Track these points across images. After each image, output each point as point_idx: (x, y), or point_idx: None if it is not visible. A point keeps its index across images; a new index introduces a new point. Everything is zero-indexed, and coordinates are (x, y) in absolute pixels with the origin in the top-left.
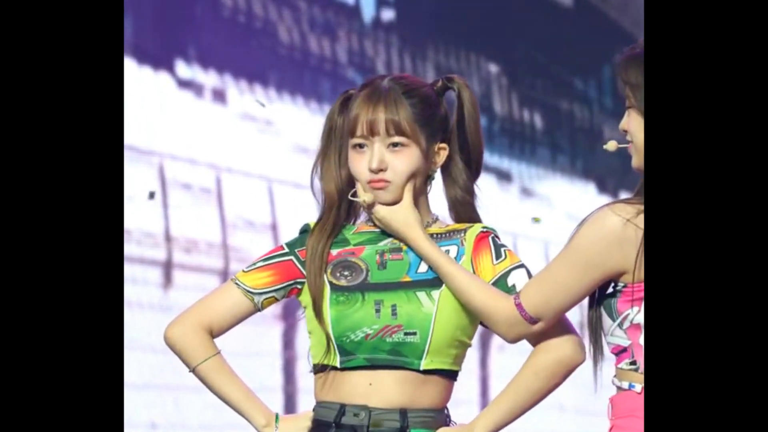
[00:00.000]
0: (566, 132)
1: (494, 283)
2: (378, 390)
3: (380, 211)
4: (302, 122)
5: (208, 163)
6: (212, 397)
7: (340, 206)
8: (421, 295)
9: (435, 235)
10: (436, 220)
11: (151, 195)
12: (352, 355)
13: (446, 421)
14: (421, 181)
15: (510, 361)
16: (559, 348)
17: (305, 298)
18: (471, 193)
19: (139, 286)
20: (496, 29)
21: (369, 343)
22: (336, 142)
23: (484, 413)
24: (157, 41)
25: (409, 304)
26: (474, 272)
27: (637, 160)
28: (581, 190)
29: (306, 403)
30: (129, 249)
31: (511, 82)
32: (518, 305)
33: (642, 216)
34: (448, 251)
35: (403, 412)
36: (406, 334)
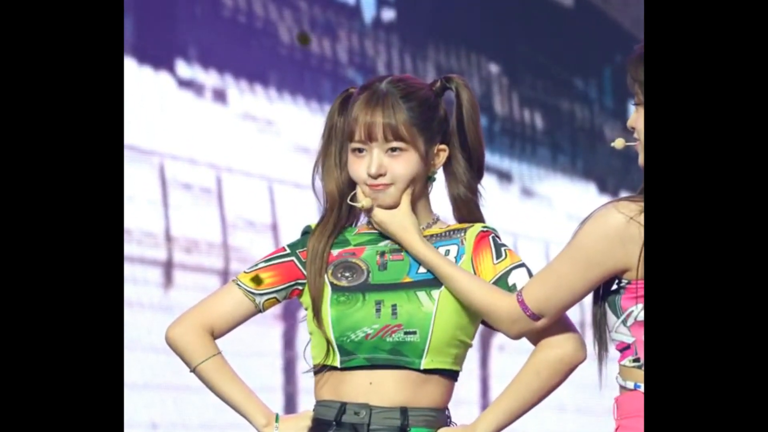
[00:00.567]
0: (567, 132)
1: (495, 283)
2: (378, 389)
3: (378, 215)
4: (303, 122)
5: (208, 163)
6: (213, 397)
7: (341, 207)
8: (421, 294)
9: (435, 236)
10: (436, 220)
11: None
12: (352, 354)
13: (447, 421)
14: (420, 183)
15: (510, 361)
16: (560, 346)
17: (306, 299)
18: (474, 192)
19: (139, 286)
20: (496, 29)
21: (369, 343)
22: (336, 142)
23: (486, 413)
24: (157, 41)
25: (410, 303)
26: (474, 272)
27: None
28: (582, 190)
29: (306, 403)
30: (129, 249)
31: (511, 82)
32: (521, 302)
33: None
34: (448, 251)
35: (404, 411)
36: (406, 333)
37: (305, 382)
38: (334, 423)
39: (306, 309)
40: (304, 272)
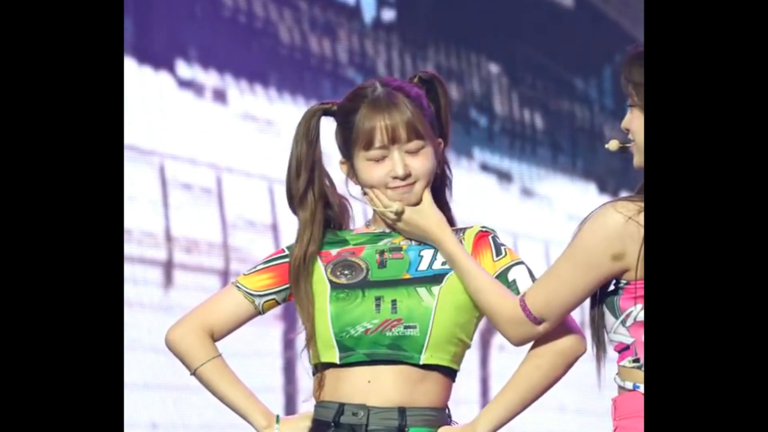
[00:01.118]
0: (567, 132)
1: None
2: (377, 388)
3: (407, 213)
4: None
5: (208, 163)
6: (213, 397)
7: (315, 220)
8: (422, 290)
9: None
10: None
11: None
12: (351, 350)
13: (447, 420)
14: (431, 178)
15: (510, 361)
16: (558, 339)
17: None
18: (445, 184)
19: (139, 286)
20: (496, 29)
21: (369, 338)
22: (306, 166)
23: (486, 410)
24: (157, 41)
25: (410, 298)
26: None
27: (639, 159)
28: (582, 191)
29: (306, 403)
30: (129, 249)
31: (511, 82)
32: (523, 306)
33: (643, 213)
34: None
35: (402, 411)
36: (405, 327)
37: (305, 382)
38: (332, 424)
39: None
40: None
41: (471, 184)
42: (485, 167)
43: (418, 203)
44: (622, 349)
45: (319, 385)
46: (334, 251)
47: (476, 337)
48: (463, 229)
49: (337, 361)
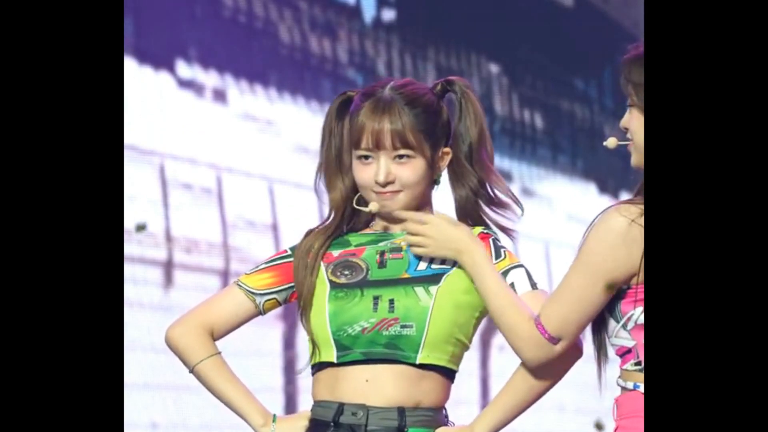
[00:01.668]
0: (567, 132)
1: None
2: (375, 387)
3: (437, 220)
4: (303, 122)
5: (208, 163)
6: (212, 397)
7: (344, 212)
8: (419, 290)
9: None
10: None
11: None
12: (348, 349)
13: (444, 421)
14: (427, 188)
15: (510, 361)
16: None
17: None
18: (477, 194)
19: (139, 286)
20: (496, 29)
21: (366, 337)
22: (335, 147)
23: (484, 413)
24: (157, 41)
25: (407, 298)
26: None
27: (637, 159)
28: (582, 191)
29: (306, 404)
30: (129, 249)
31: (511, 82)
32: (539, 326)
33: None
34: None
35: (401, 411)
36: (402, 326)
37: (305, 382)
38: (332, 424)
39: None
40: None
41: None
42: None
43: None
44: (624, 353)
45: (318, 384)
46: (336, 252)
47: (476, 337)
48: None
49: (335, 360)
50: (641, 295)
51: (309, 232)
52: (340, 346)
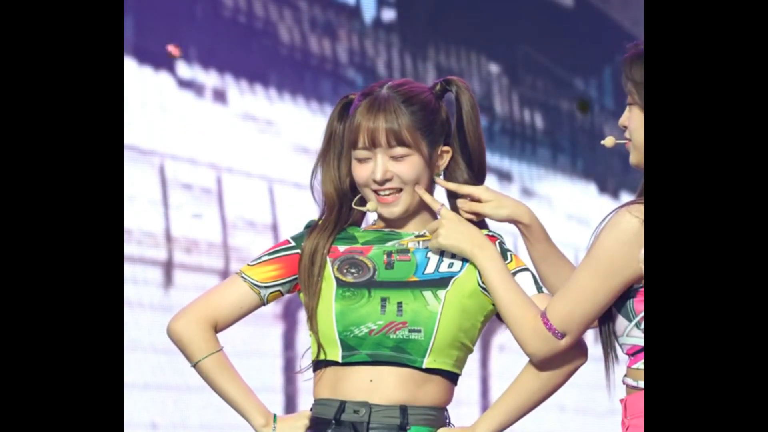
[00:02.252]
0: (567, 132)
1: None
2: (379, 387)
3: (450, 215)
4: (303, 122)
5: (208, 163)
6: (212, 397)
7: (341, 208)
8: (428, 294)
9: None
10: None
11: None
12: (354, 350)
13: (447, 422)
14: (428, 186)
15: (510, 361)
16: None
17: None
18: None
19: (139, 286)
20: (496, 29)
21: (372, 339)
22: (335, 149)
23: (486, 415)
24: (157, 41)
25: (415, 302)
26: (478, 272)
27: (636, 157)
28: (582, 191)
29: (306, 404)
30: (129, 249)
31: (511, 82)
32: (544, 320)
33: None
34: (453, 255)
35: (404, 409)
36: (410, 331)
37: (305, 382)
38: (333, 421)
39: (304, 302)
40: None
41: None
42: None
43: (406, 211)
44: (636, 352)
45: (320, 383)
46: (342, 248)
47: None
48: None
49: (340, 360)
50: None
51: (311, 226)
52: (346, 346)
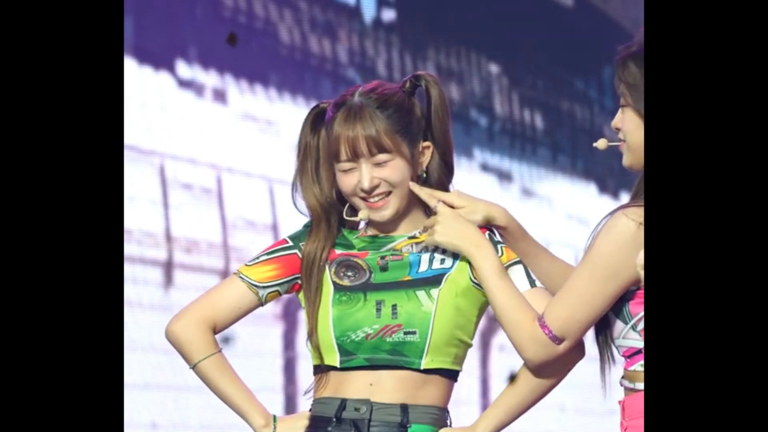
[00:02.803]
0: (567, 132)
1: None
2: (379, 389)
3: (439, 237)
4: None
5: (208, 163)
6: (212, 397)
7: (329, 219)
8: (421, 294)
9: None
10: None
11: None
12: (352, 355)
13: (446, 422)
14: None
15: (510, 361)
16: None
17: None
18: (445, 188)
19: (139, 286)
20: (496, 29)
21: (369, 343)
22: (312, 159)
23: (486, 414)
24: (157, 41)
25: (409, 303)
26: (471, 268)
27: (630, 159)
28: (582, 191)
29: (307, 404)
30: (129, 249)
31: (511, 83)
32: (542, 325)
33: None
34: (445, 250)
35: (404, 408)
36: (405, 333)
37: (305, 382)
38: (334, 419)
39: (304, 307)
40: None
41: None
42: (485, 167)
43: (397, 213)
44: (633, 354)
45: (320, 385)
46: (338, 250)
47: (476, 337)
48: None
49: (338, 365)
50: None
51: (309, 224)
52: (344, 352)
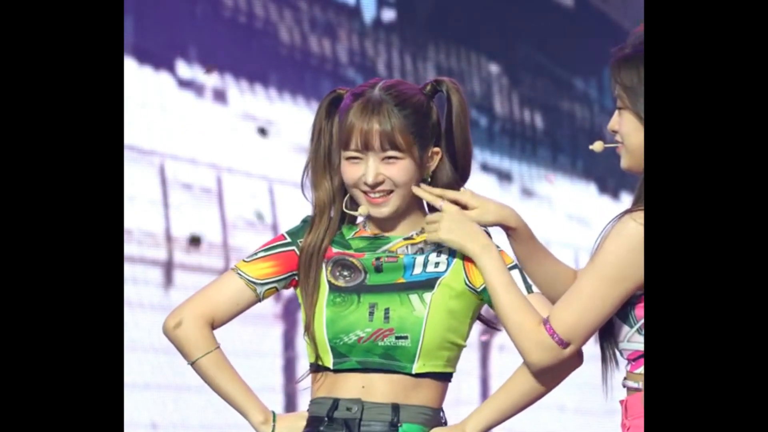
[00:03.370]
0: (567, 132)
1: None
2: (370, 392)
3: (455, 210)
4: (303, 122)
5: (208, 163)
6: (212, 397)
7: (332, 210)
8: (414, 298)
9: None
10: None
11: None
12: (345, 357)
13: (441, 421)
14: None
15: (510, 361)
16: None
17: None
18: (450, 187)
19: (139, 286)
20: (496, 29)
21: (361, 347)
22: (324, 145)
23: (476, 412)
24: (157, 41)
25: (402, 307)
26: (466, 272)
27: (628, 161)
28: (582, 191)
29: (307, 404)
30: (129, 249)
31: (511, 83)
32: (548, 328)
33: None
34: (440, 252)
35: (396, 407)
36: (397, 338)
37: (305, 382)
38: (326, 418)
39: (301, 302)
40: None
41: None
42: (485, 167)
43: (396, 212)
44: (638, 357)
45: (316, 385)
46: (334, 249)
47: (476, 337)
48: None
49: (331, 367)
50: None
51: (307, 219)
52: (337, 353)
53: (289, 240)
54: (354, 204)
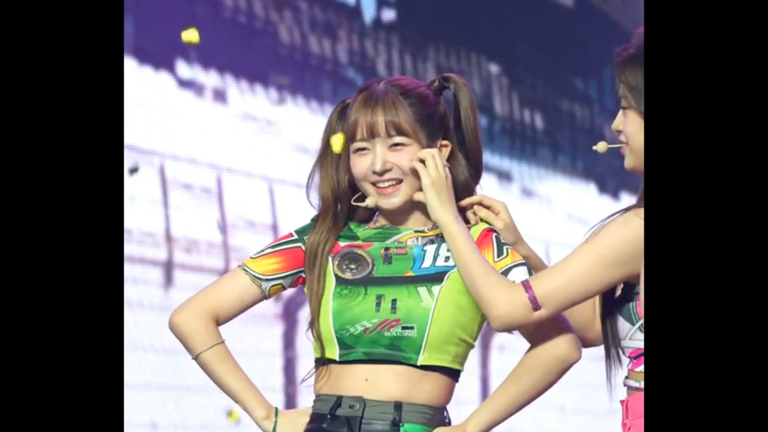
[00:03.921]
0: (567, 132)
1: None
2: (375, 385)
3: (442, 181)
4: (303, 122)
5: (208, 163)
6: (212, 397)
7: (337, 209)
8: (422, 290)
9: (440, 236)
10: None
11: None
12: (351, 348)
13: (444, 421)
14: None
15: (510, 361)
16: (554, 345)
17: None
18: (471, 191)
19: (139, 286)
20: (496, 29)
21: (368, 337)
22: (332, 153)
23: (477, 411)
24: (157, 41)
25: (409, 298)
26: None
27: (632, 161)
28: (582, 190)
29: (307, 404)
30: (129, 249)
31: (511, 83)
32: (527, 286)
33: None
34: (449, 249)
35: (398, 406)
36: (403, 328)
37: (305, 382)
38: (328, 416)
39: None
40: None
41: None
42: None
43: (406, 203)
44: (639, 355)
45: (319, 380)
46: (342, 243)
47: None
48: (468, 227)
49: (337, 358)
50: None
51: (316, 218)
52: (343, 345)
53: (296, 237)
54: (363, 198)
